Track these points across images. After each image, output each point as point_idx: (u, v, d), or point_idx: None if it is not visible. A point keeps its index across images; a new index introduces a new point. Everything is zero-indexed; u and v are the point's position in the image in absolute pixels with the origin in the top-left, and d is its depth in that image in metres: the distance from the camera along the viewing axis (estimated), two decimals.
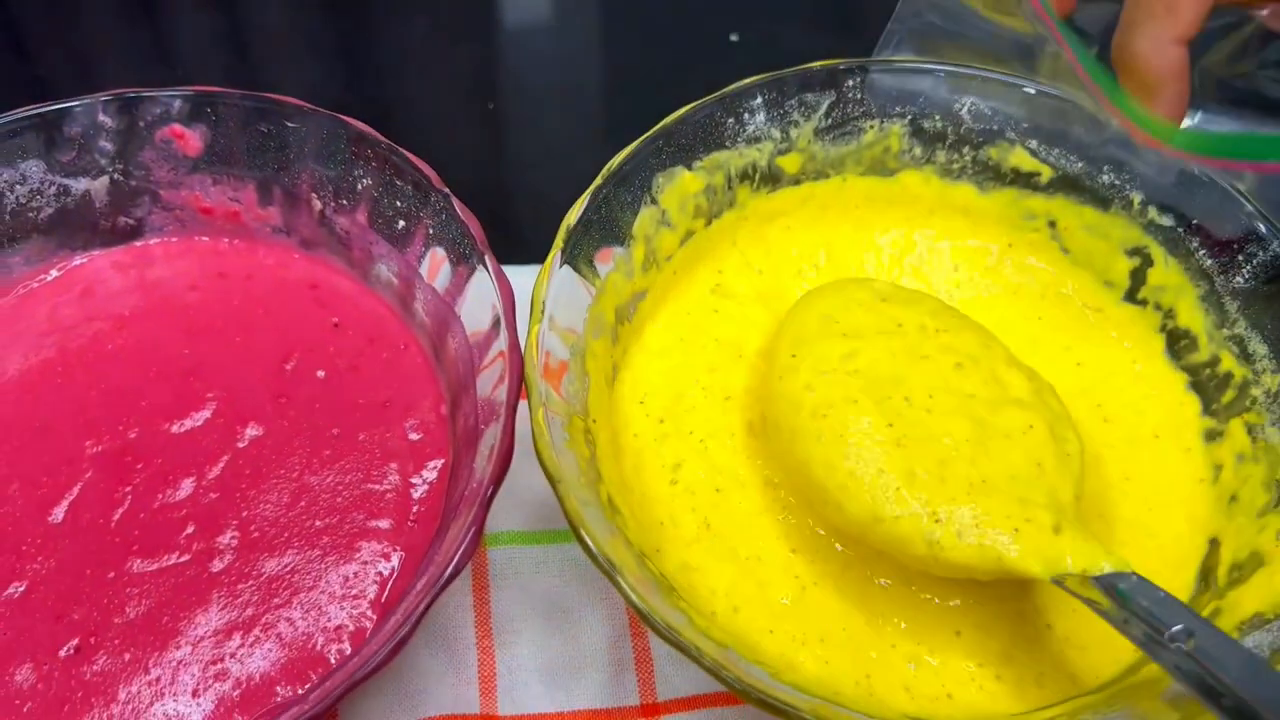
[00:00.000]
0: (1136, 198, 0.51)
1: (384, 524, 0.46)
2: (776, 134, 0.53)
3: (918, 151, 0.54)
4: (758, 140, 0.53)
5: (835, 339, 0.47)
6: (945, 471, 0.43)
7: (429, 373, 0.50)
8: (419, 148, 0.67)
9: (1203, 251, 0.49)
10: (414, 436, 0.48)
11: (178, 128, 0.51)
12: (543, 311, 0.44)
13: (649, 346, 0.51)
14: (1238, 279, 0.48)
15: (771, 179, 0.54)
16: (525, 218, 0.63)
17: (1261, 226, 0.47)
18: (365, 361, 0.50)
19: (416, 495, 0.46)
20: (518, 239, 0.61)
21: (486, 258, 0.46)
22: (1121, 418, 0.50)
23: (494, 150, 0.68)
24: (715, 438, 0.49)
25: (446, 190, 0.47)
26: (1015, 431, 0.44)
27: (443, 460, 0.47)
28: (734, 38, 0.73)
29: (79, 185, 0.52)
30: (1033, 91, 0.52)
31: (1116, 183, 0.51)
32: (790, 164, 0.54)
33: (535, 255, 0.55)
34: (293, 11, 0.76)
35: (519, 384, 0.43)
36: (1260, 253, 0.47)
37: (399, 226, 0.50)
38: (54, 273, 0.53)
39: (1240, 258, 0.48)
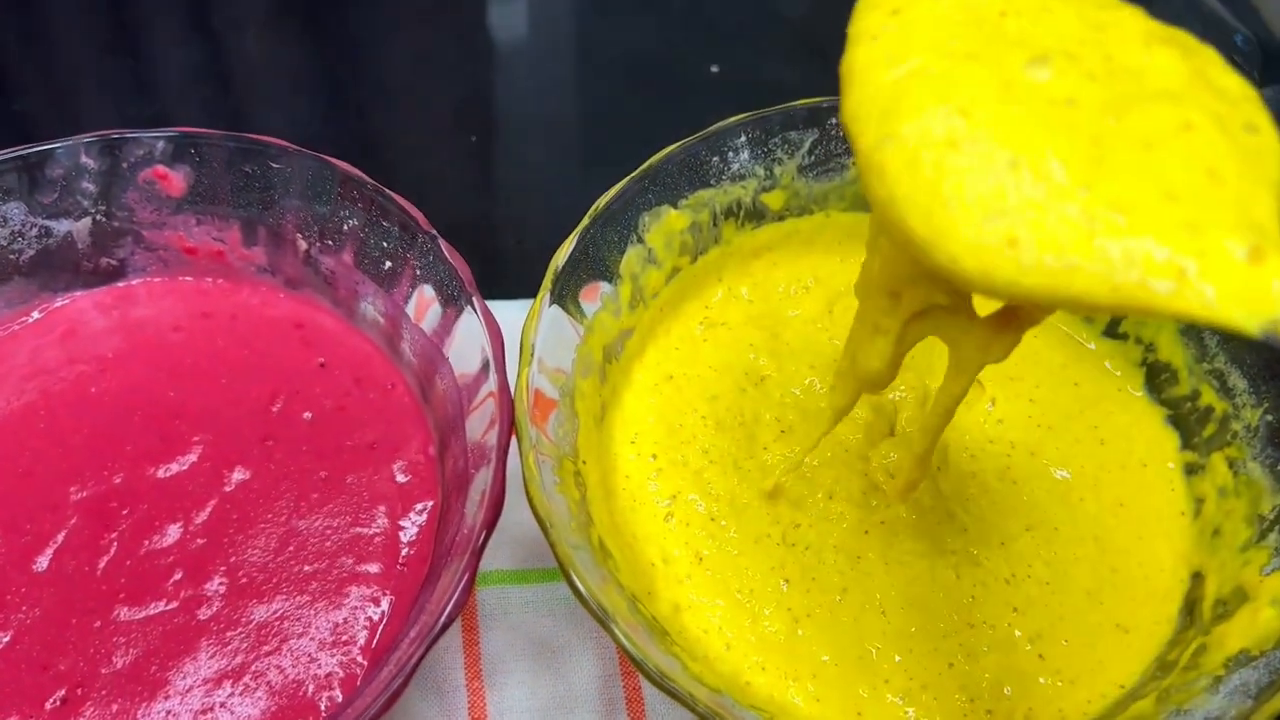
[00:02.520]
0: None
1: (373, 568, 0.45)
2: (761, 171, 0.53)
3: None
4: (742, 178, 0.53)
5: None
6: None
7: (417, 413, 0.50)
8: (401, 180, 0.67)
9: None
10: (402, 478, 0.48)
11: (161, 169, 0.51)
12: (532, 354, 0.44)
13: (638, 384, 0.51)
14: None
15: (756, 215, 0.54)
16: (509, 251, 0.63)
17: None
18: (352, 402, 0.50)
19: (405, 539, 0.46)
20: (502, 273, 0.61)
21: (475, 300, 0.46)
22: (1115, 443, 0.51)
23: (476, 183, 0.68)
24: (717, 465, 0.49)
25: (433, 231, 0.48)
26: (1163, 135, 0.30)
27: (432, 502, 0.47)
28: (715, 69, 0.73)
29: (61, 226, 0.52)
30: None
31: None
32: (774, 200, 0.54)
33: (519, 289, 0.56)
34: (274, 44, 0.76)
35: (510, 428, 0.43)
36: None
37: (386, 267, 0.50)
38: (35, 314, 0.52)
39: None
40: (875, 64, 0.33)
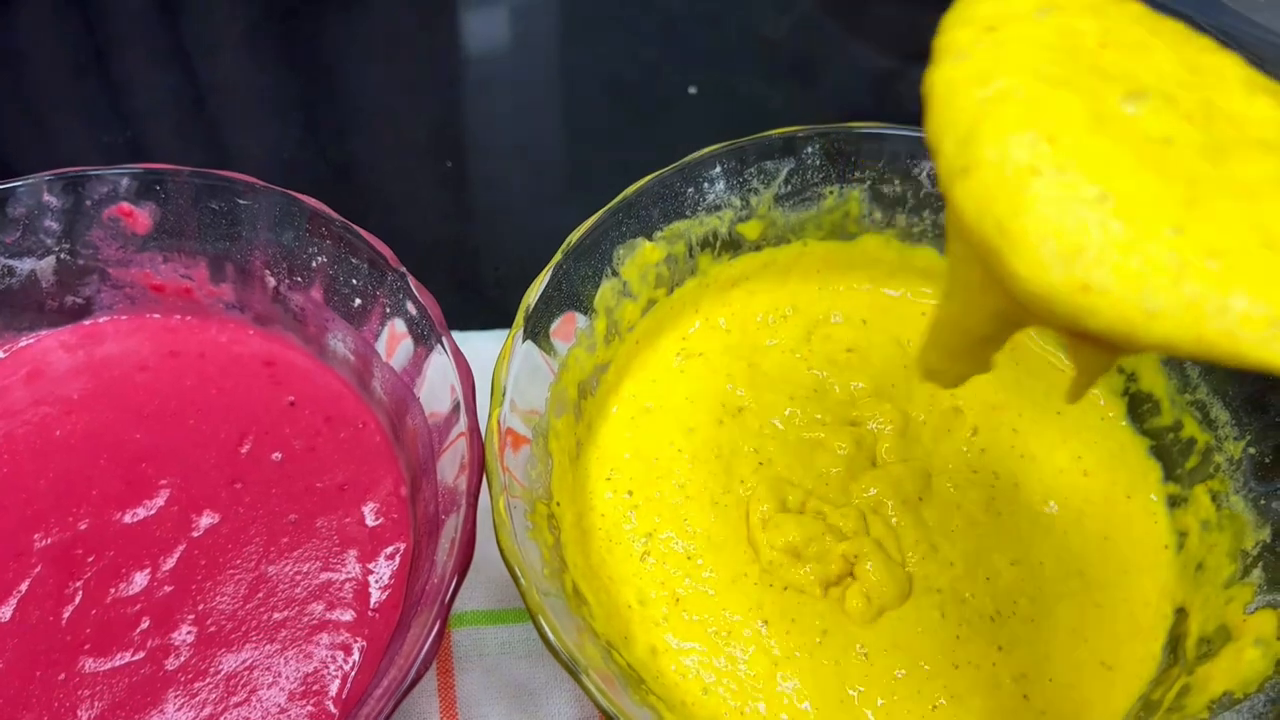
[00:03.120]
0: None
1: (344, 615, 0.45)
2: (737, 202, 0.52)
3: (878, 216, 0.54)
4: (718, 208, 0.52)
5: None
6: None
7: (388, 453, 0.49)
8: (377, 208, 0.66)
9: None
10: (373, 521, 0.47)
11: (126, 206, 0.50)
12: (504, 395, 0.44)
13: (614, 419, 0.51)
14: None
15: (732, 246, 0.54)
16: (487, 279, 0.62)
17: None
18: (322, 442, 0.49)
19: (377, 584, 0.45)
20: (479, 301, 0.61)
21: (445, 339, 0.45)
22: (1098, 474, 0.50)
23: (453, 210, 0.67)
24: (694, 500, 0.48)
25: (402, 269, 0.47)
26: (1263, 184, 0.29)
27: (404, 545, 0.46)
28: (692, 90, 0.72)
29: (24, 265, 0.51)
30: None
31: None
32: (751, 230, 0.53)
33: (497, 319, 0.55)
34: (247, 69, 0.75)
35: (480, 472, 0.42)
36: None
37: (355, 304, 0.49)
38: None
39: None
40: (962, 82, 0.32)
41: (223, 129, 0.73)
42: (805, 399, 0.52)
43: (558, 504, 0.45)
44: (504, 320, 0.45)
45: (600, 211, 0.49)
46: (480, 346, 0.55)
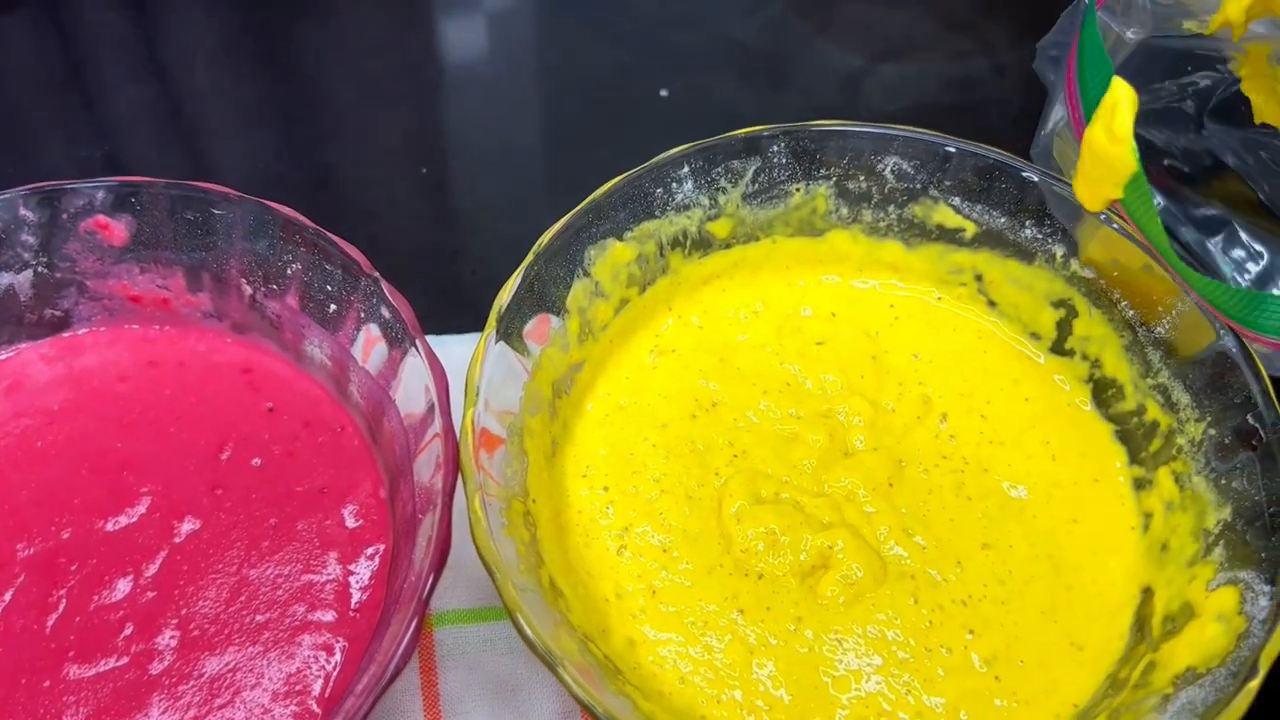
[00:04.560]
0: (1059, 251, 0.52)
1: (326, 616, 0.45)
2: (705, 201, 0.53)
3: (844, 212, 0.55)
4: (687, 208, 0.53)
5: None
6: None
7: (367, 455, 0.50)
8: (354, 214, 0.67)
9: (1125, 303, 0.50)
10: (353, 523, 0.48)
11: (102, 219, 0.51)
12: (477, 394, 0.44)
13: (589, 417, 0.51)
14: (1159, 329, 0.49)
15: (703, 244, 0.54)
16: (464, 282, 0.63)
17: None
18: (301, 446, 0.50)
19: (358, 584, 0.46)
20: (456, 305, 0.61)
21: (419, 342, 0.46)
22: (1067, 457, 0.51)
23: (430, 214, 0.67)
24: (670, 494, 0.49)
25: (376, 274, 0.47)
26: None
27: (383, 546, 0.47)
28: (664, 93, 0.73)
29: (2, 280, 0.51)
30: (954, 150, 0.53)
31: (1039, 236, 0.52)
32: (720, 229, 0.54)
33: (475, 323, 0.56)
34: (223, 82, 0.75)
35: (455, 471, 0.43)
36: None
37: (330, 310, 0.50)
38: None
39: (1160, 307, 0.49)
40: None
41: (200, 140, 0.73)
42: (778, 392, 0.53)
43: (534, 501, 0.46)
44: (482, 323, 0.46)
45: (570, 213, 0.50)
46: (458, 349, 0.56)
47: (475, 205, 0.68)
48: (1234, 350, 0.46)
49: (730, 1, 0.80)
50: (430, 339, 0.57)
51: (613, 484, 0.49)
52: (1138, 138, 0.40)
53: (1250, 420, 0.45)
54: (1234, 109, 0.58)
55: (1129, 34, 0.50)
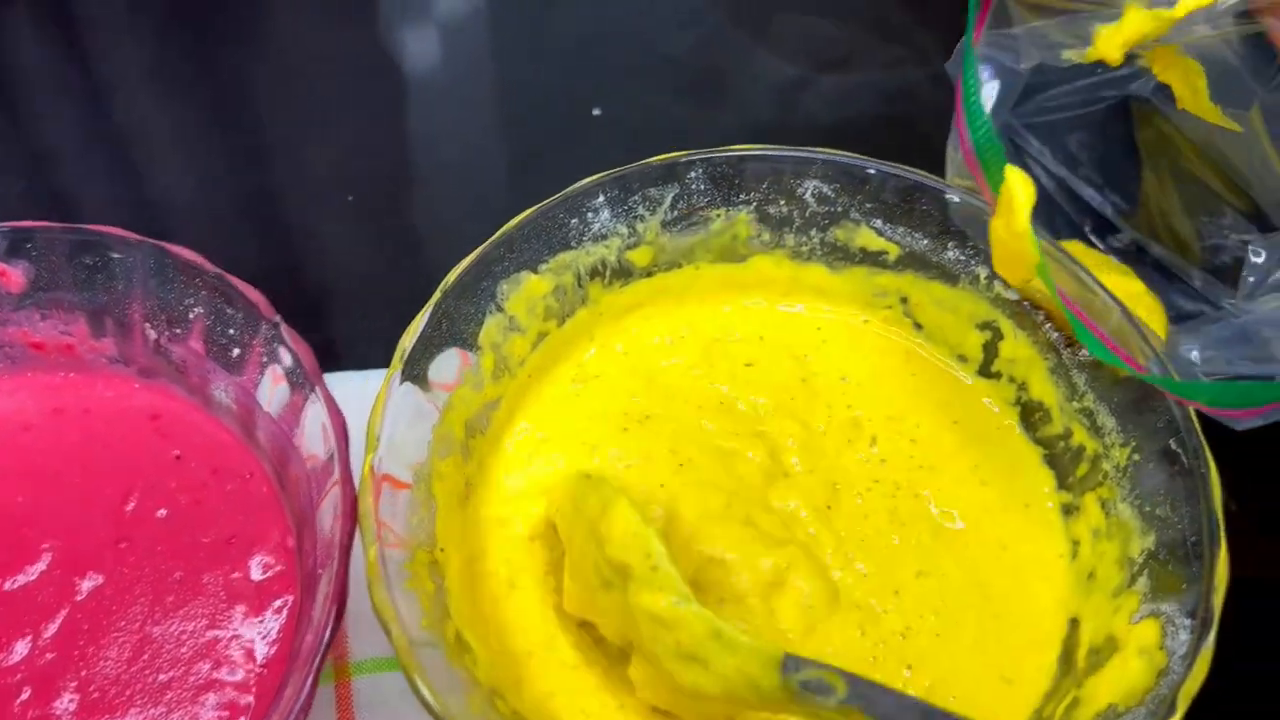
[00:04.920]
0: (982, 272, 0.51)
1: (232, 674, 0.44)
2: (623, 230, 0.52)
3: (766, 236, 0.54)
4: (604, 237, 0.52)
5: None
6: None
7: (275, 503, 0.48)
8: (275, 245, 0.65)
9: (1048, 325, 0.49)
10: (260, 575, 0.46)
11: None
12: (378, 441, 0.43)
13: (508, 455, 0.50)
14: (1083, 352, 0.48)
15: (623, 273, 0.53)
16: (386, 314, 0.61)
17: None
18: (209, 495, 0.49)
19: (264, 639, 0.45)
20: (387, 337, 0.59)
21: (318, 388, 0.44)
22: (996, 482, 0.50)
23: (353, 243, 0.66)
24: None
25: (276, 319, 0.46)
26: None
27: (291, 597, 0.46)
28: (596, 112, 0.72)
29: None
30: (873, 172, 0.52)
31: (962, 258, 0.51)
32: (641, 257, 0.53)
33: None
34: (148, 108, 0.74)
35: (352, 521, 0.41)
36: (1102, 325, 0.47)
37: (234, 354, 0.48)
38: None
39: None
40: None
41: (124, 174, 0.71)
42: (714, 410, 0.52)
43: (441, 550, 0.44)
44: (427, 343, 0.45)
45: (479, 248, 0.48)
46: (374, 387, 0.54)
47: (401, 232, 0.66)
48: (1156, 374, 0.45)
49: (663, 15, 0.79)
50: (351, 374, 0.57)
51: (535, 523, 0.48)
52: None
53: (1173, 445, 0.44)
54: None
55: (1021, 65, 0.49)
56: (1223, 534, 0.41)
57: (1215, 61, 0.48)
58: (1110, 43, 0.44)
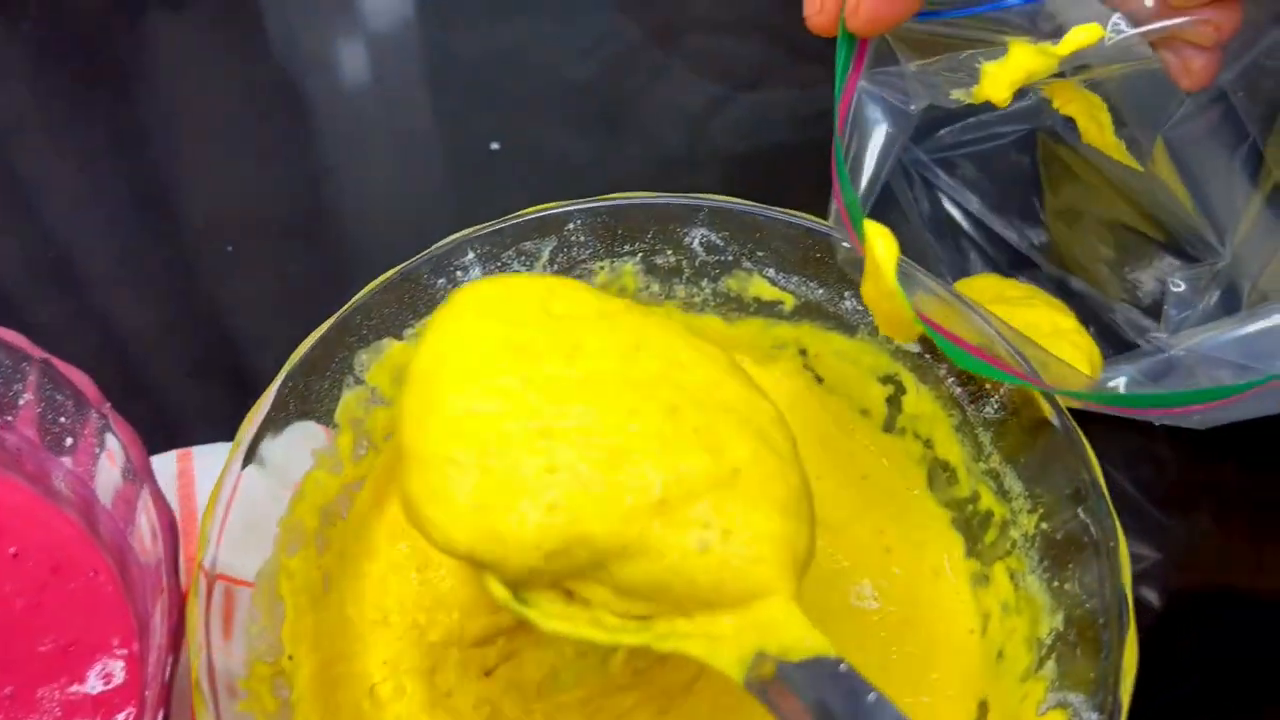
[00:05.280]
0: None
1: None
2: None
3: (655, 288, 0.50)
4: None
5: None
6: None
7: (119, 604, 0.44)
8: (144, 299, 0.61)
9: (951, 379, 0.46)
10: (100, 687, 0.42)
11: None
12: (209, 541, 0.39)
13: (373, 542, 0.46)
14: (987, 409, 0.45)
15: None
16: (263, 376, 0.57)
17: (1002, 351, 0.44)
18: (49, 596, 0.44)
19: None
20: (242, 403, 0.56)
21: (146, 484, 0.40)
22: (902, 549, 0.47)
23: (230, 298, 0.62)
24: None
25: (105, 408, 0.42)
26: None
27: (133, 710, 0.42)
28: (495, 147, 0.68)
29: None
30: (763, 218, 0.48)
31: (859, 308, 0.48)
32: None
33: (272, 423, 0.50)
34: (14, 159, 0.69)
35: (179, 631, 0.37)
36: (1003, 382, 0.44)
37: (68, 443, 0.44)
38: None
39: (987, 386, 0.45)
40: None
41: None
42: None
43: (289, 658, 0.41)
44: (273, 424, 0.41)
45: (332, 319, 0.45)
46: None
47: (281, 286, 0.62)
48: (1061, 433, 0.41)
49: (566, 41, 0.75)
50: (218, 446, 0.53)
51: (407, 615, 0.44)
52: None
53: (1081, 514, 0.40)
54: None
55: (911, 107, 0.46)
56: (1131, 616, 0.38)
57: (1121, 95, 0.45)
58: (997, 83, 0.41)
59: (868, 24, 0.39)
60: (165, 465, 0.51)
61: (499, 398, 0.33)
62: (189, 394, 0.58)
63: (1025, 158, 0.57)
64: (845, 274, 0.47)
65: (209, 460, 0.52)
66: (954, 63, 0.42)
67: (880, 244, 0.37)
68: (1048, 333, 0.52)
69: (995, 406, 0.44)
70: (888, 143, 0.47)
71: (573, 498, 0.32)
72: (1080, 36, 0.40)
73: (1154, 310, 0.55)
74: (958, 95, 0.43)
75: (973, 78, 0.42)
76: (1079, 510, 0.40)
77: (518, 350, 0.34)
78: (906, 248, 0.39)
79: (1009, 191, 0.57)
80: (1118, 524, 0.39)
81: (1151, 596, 0.48)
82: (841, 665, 0.32)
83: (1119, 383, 0.49)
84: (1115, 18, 0.41)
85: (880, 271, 0.37)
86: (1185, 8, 0.39)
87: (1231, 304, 0.53)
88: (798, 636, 0.32)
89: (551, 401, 0.33)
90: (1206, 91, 0.46)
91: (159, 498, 0.40)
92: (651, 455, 0.32)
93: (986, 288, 0.56)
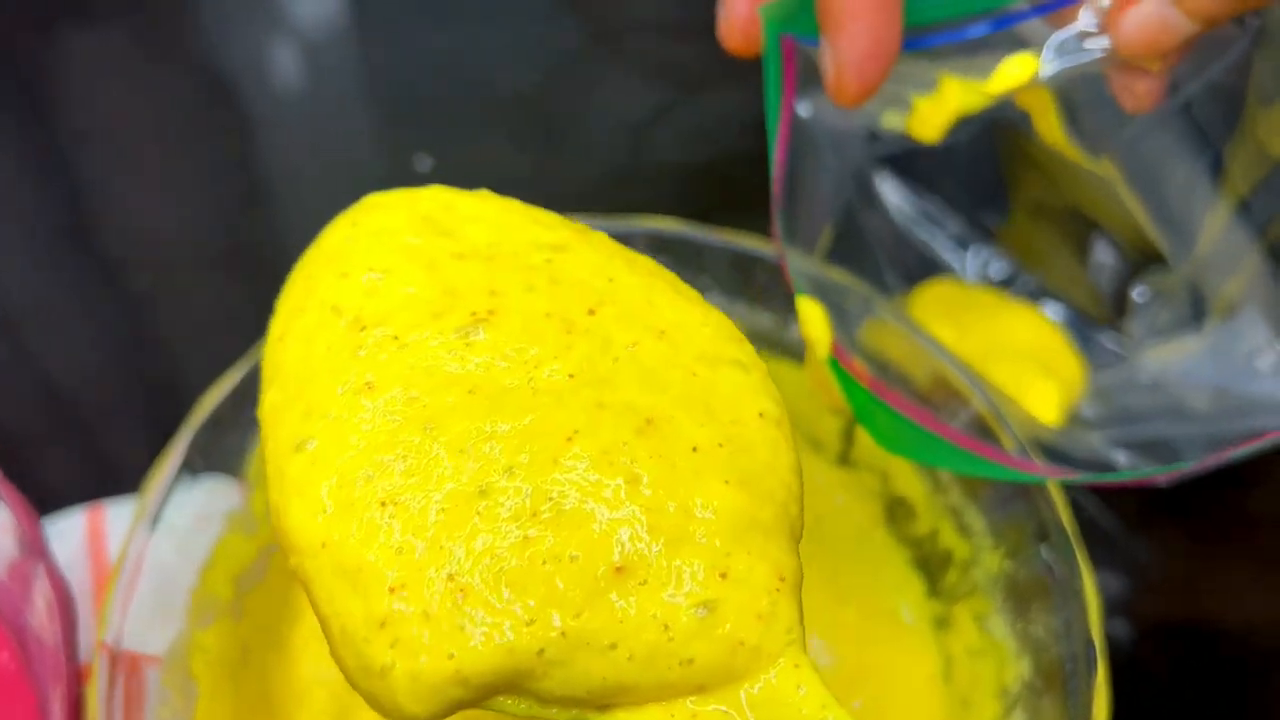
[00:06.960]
0: None
1: None
2: None
3: None
4: None
5: None
6: None
7: (19, 684, 0.41)
8: (64, 341, 0.58)
9: None
10: None
11: None
12: (108, 621, 0.36)
13: (300, 604, 0.43)
14: None
15: None
16: (170, 425, 0.53)
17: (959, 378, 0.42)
18: None
19: None
20: (153, 449, 0.52)
21: (42, 565, 0.37)
22: (855, 593, 0.44)
23: (152, 338, 0.58)
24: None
25: None
26: None
27: None
28: (426, 164, 0.65)
29: None
30: (705, 243, 0.45)
31: None
32: None
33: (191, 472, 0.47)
34: None
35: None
36: (962, 410, 0.42)
37: None
38: None
39: (944, 414, 0.42)
40: None
41: None
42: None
43: None
44: (181, 484, 0.38)
45: (236, 370, 0.41)
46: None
47: (205, 320, 0.59)
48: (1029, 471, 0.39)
49: (502, 47, 0.72)
50: (136, 498, 0.49)
51: (334, 686, 0.41)
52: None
53: (1044, 553, 0.38)
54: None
55: (855, 125, 0.43)
56: (1102, 660, 0.35)
57: (1078, 92, 0.43)
58: (927, 122, 0.38)
59: (860, 93, 0.34)
60: (74, 526, 0.47)
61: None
62: (106, 441, 0.55)
63: (988, 150, 0.54)
64: (791, 300, 0.45)
65: (124, 515, 0.49)
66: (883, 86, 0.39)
67: (811, 321, 0.35)
68: (1022, 350, 0.50)
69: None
70: (836, 177, 0.44)
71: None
72: (1013, 71, 0.37)
73: (1119, 303, 0.53)
74: (891, 121, 0.40)
75: (905, 104, 0.39)
76: (1041, 549, 0.38)
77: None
78: (866, 251, 0.37)
79: (971, 187, 0.54)
80: (1083, 562, 0.37)
81: (1123, 631, 0.46)
82: None
83: (1093, 437, 0.46)
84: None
85: (813, 351, 0.35)
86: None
87: (1198, 311, 0.51)
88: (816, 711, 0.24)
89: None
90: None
91: (54, 574, 0.37)
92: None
93: (953, 294, 0.53)
